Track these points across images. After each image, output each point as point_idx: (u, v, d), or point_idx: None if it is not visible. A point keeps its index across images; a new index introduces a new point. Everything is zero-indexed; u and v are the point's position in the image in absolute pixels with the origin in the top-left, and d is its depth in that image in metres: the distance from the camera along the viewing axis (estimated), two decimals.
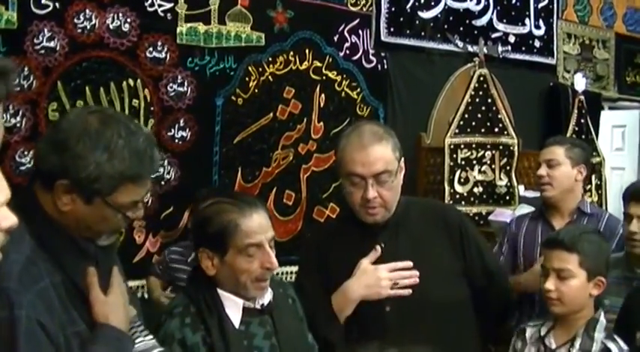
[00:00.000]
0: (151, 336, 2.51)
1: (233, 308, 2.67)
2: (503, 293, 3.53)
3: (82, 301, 2.24)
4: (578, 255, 3.20)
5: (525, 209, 5.37)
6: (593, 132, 6.69)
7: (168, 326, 2.61)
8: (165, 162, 4.96)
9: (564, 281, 3.21)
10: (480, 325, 3.30)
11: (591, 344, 3.17)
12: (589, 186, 6.18)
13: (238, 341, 2.62)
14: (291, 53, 5.57)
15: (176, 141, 5.03)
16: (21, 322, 1.96)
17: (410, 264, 3.13)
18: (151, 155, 2.26)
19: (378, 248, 3.15)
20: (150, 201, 4.85)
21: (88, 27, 4.67)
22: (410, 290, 3.10)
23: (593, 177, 6.18)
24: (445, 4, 6.46)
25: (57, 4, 4.59)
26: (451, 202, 5.79)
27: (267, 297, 2.74)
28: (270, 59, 5.46)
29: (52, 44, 4.55)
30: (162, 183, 4.95)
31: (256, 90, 5.38)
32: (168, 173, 4.99)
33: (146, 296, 4.82)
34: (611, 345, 3.14)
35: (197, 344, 2.57)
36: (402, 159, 3.22)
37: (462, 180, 5.94)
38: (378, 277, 3.11)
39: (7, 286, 1.96)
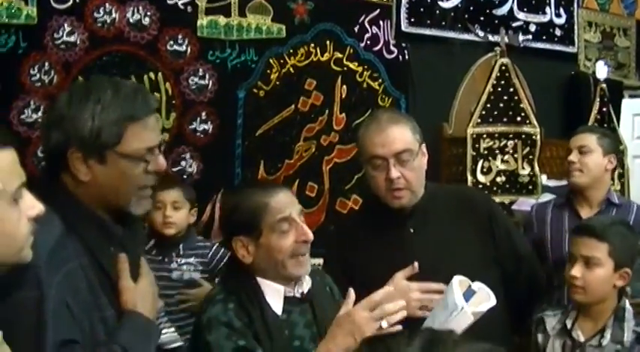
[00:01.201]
0: (173, 329, 2.53)
1: (275, 296, 2.67)
2: (533, 277, 3.52)
3: (111, 287, 2.25)
4: (608, 244, 3.18)
5: (547, 197, 5.34)
6: (615, 121, 6.65)
7: (211, 311, 2.60)
8: (188, 155, 4.96)
9: (591, 270, 3.20)
10: (510, 312, 3.29)
11: (622, 334, 3.16)
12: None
13: (280, 330, 2.62)
14: (312, 45, 5.55)
15: (198, 134, 5.02)
16: (49, 301, 2.00)
17: (443, 286, 3.07)
18: (143, 96, 2.30)
19: (416, 264, 3.12)
20: None
21: (108, 21, 4.67)
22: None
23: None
24: None
25: None
26: None
27: (306, 285, 2.74)
28: (291, 51, 5.45)
29: (72, 39, 4.55)
30: (185, 176, 4.94)
31: (277, 83, 5.37)
32: (191, 166, 4.98)
33: None
34: None
35: (243, 326, 2.56)
36: (424, 144, 3.23)
37: (485, 169, 5.90)
38: (408, 296, 3.05)
39: (37, 265, 1.98)
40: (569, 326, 3.29)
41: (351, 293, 2.68)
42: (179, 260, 4.14)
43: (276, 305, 2.67)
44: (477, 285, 2.85)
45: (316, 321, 2.74)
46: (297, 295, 2.72)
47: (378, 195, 3.25)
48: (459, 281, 2.83)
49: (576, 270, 3.21)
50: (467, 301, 2.76)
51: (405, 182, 3.14)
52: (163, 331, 2.52)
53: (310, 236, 2.67)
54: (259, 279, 2.68)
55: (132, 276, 2.31)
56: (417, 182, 3.21)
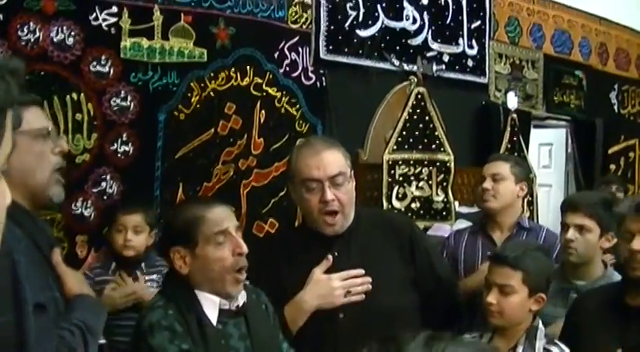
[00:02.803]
0: None
1: (210, 307, 2.74)
2: (452, 298, 3.63)
3: (52, 274, 2.40)
4: (521, 273, 3.30)
5: (464, 224, 5.47)
6: (525, 150, 6.84)
7: (152, 316, 2.66)
8: (108, 176, 4.92)
9: (506, 297, 3.31)
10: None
11: (533, 351, 3.28)
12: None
13: (217, 339, 2.69)
14: (233, 69, 5.57)
15: (119, 155, 4.98)
16: (20, 266, 2.07)
17: (361, 271, 3.22)
18: (27, 93, 2.48)
19: (330, 257, 3.23)
20: (92, 215, 4.84)
21: (32, 40, 4.61)
22: (363, 296, 3.18)
23: None
24: (382, 23, 6.54)
25: (0, 16, 4.53)
26: None
27: (241, 299, 2.81)
28: (212, 75, 5.46)
29: None
30: (105, 197, 4.91)
31: (198, 106, 5.37)
32: (111, 187, 4.94)
33: None
34: (553, 348, 3.26)
35: (183, 332, 2.62)
36: (352, 171, 3.33)
37: (400, 195, 6.01)
38: (331, 287, 3.18)
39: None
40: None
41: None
42: (144, 277, 4.29)
43: (212, 316, 2.74)
44: None
45: (250, 335, 2.80)
46: (233, 308, 2.78)
47: (309, 219, 3.32)
48: None
49: (492, 297, 3.32)
50: None
51: (338, 205, 3.23)
52: None
53: (245, 248, 2.76)
54: (196, 291, 2.75)
55: None
56: (350, 205, 3.30)
